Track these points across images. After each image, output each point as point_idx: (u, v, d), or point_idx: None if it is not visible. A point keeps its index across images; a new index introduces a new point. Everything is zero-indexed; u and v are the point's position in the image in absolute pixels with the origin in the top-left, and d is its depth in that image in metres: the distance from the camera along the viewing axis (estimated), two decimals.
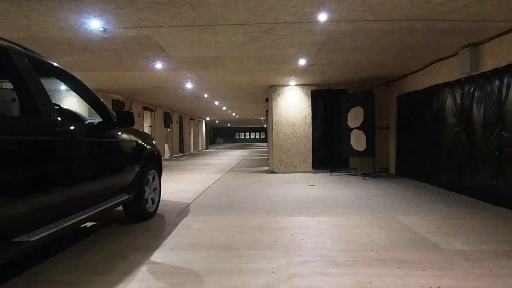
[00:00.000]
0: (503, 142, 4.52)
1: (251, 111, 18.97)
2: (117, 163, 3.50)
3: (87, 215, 2.77)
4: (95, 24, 4.11)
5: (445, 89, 6.01)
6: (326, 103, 9.02)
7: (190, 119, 21.23)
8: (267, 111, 10.92)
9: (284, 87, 9.09)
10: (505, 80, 4.48)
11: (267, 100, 10.05)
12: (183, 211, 4.57)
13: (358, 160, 8.84)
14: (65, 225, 2.45)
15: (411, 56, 5.93)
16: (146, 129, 13.16)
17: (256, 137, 47.65)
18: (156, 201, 4.31)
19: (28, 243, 2.07)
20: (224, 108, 16.65)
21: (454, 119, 5.71)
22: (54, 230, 2.31)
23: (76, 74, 3.16)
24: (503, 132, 4.52)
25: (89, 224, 3.90)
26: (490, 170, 4.79)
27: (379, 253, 2.87)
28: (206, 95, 11.46)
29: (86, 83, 3.18)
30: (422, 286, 2.25)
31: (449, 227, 3.62)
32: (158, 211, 4.36)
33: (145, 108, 13.20)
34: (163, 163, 4.73)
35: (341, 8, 3.72)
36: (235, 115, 21.84)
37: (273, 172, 9.11)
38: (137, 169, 3.74)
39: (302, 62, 6.35)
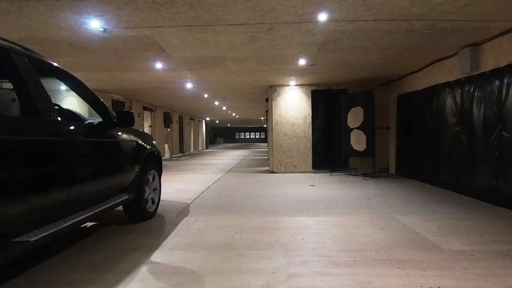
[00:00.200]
0: (503, 142, 4.52)
1: (251, 111, 18.97)
2: (117, 163, 3.50)
3: (87, 215, 2.77)
4: (95, 24, 4.11)
5: (445, 89, 6.01)
6: (326, 103, 9.02)
7: (190, 119, 21.23)
8: (267, 111, 10.93)
9: (284, 87, 9.09)
10: (505, 80, 4.48)
11: (267, 100, 10.05)
12: (183, 211, 4.57)
13: (358, 160, 8.84)
14: (65, 225, 2.45)
15: (411, 56, 5.93)
16: (146, 129, 13.16)
17: (256, 137, 47.64)
18: (156, 201, 4.31)
19: (28, 243, 2.07)
20: (224, 108, 16.65)
21: (454, 119, 5.71)
22: (54, 230, 2.31)
23: (76, 74, 3.16)
24: (503, 132, 4.51)
25: (89, 224, 3.90)
26: (490, 170, 4.79)
27: (379, 253, 2.87)
28: (206, 95, 11.46)
29: (86, 83, 3.18)
30: (422, 286, 2.25)
31: (449, 227, 3.62)
32: (158, 211, 4.36)
33: (145, 108, 13.20)
34: (163, 163, 4.73)
35: (341, 8, 3.72)
36: (235, 115, 21.84)
37: (273, 172, 9.11)
38: (137, 169, 3.74)
39: (302, 62, 6.35)
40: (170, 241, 3.28)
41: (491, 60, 4.82)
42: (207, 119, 26.52)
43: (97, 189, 3.08)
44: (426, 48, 5.42)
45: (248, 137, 48.43)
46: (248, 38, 4.82)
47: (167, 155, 15.68)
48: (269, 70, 7.17)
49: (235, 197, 5.57)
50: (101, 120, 3.32)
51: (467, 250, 2.91)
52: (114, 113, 3.40)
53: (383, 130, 8.64)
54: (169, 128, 16.12)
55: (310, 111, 9.03)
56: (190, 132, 21.30)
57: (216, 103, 14.15)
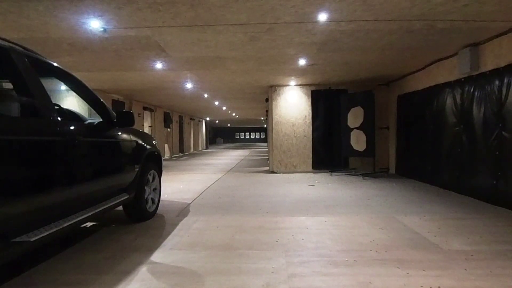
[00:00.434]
0: (503, 142, 4.52)
1: (251, 111, 18.97)
2: (117, 163, 3.50)
3: (87, 215, 2.77)
4: (95, 24, 4.11)
5: (445, 89, 6.01)
6: (326, 103, 9.02)
7: (190, 119, 21.23)
8: (267, 111, 10.93)
9: (284, 87, 9.09)
10: (505, 80, 4.48)
11: (267, 100, 10.05)
12: (183, 211, 4.57)
13: (358, 160, 8.84)
14: (65, 225, 2.45)
15: (411, 56, 5.93)
16: (146, 129, 13.16)
17: (256, 137, 47.64)
18: (156, 201, 4.31)
19: (28, 243, 2.07)
20: (224, 108, 16.65)
21: (454, 119, 5.71)
22: (54, 230, 2.31)
23: (76, 74, 3.16)
24: (503, 132, 4.51)
25: (89, 224, 3.90)
26: (490, 170, 4.79)
27: (379, 253, 2.87)
28: (206, 95, 11.46)
29: (86, 83, 3.18)
30: (422, 286, 2.25)
31: (449, 227, 3.62)
32: (158, 211, 4.36)
33: (145, 108, 13.20)
34: (163, 163, 4.73)
35: (341, 8, 3.72)
36: (235, 115, 21.84)
37: (273, 172, 9.11)
38: (137, 169, 3.74)
39: (302, 62, 6.35)
40: (170, 241, 3.28)
41: (491, 60, 4.82)
42: (207, 119, 26.52)
43: (97, 189, 3.08)
44: (426, 48, 5.42)
45: (248, 137, 48.42)
46: (248, 38, 4.82)
47: (167, 155, 15.68)
48: (269, 70, 7.17)
49: (235, 197, 5.57)
50: (101, 120, 3.32)
51: (467, 250, 2.91)
52: (114, 113, 3.40)
53: (383, 130, 8.64)
54: (169, 128, 16.12)
55: (310, 111, 9.03)
56: (190, 132, 21.30)
57: (216, 103, 14.15)
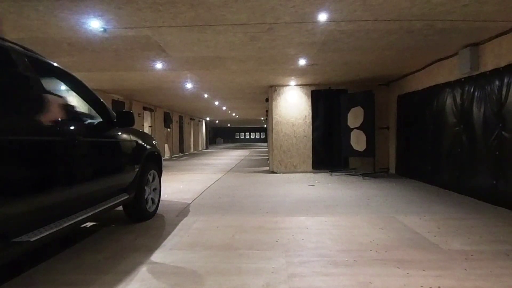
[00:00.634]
0: (503, 142, 4.52)
1: (251, 111, 18.97)
2: (117, 163, 3.50)
3: (87, 215, 2.77)
4: (95, 24, 4.11)
5: (445, 89, 6.01)
6: (326, 103, 9.02)
7: (190, 119, 21.23)
8: (267, 111, 10.93)
9: (284, 87, 9.09)
10: (505, 80, 4.48)
11: (267, 100, 10.05)
12: (183, 211, 4.57)
13: (358, 160, 8.84)
14: (65, 225, 2.45)
15: (411, 56, 5.93)
16: (146, 129, 13.16)
17: (256, 137, 47.64)
18: (156, 201, 4.31)
19: (28, 243, 2.07)
20: (224, 108, 16.65)
21: (454, 119, 5.71)
22: (54, 230, 2.31)
23: (76, 74, 3.16)
24: (503, 132, 4.51)
25: (89, 224, 3.90)
26: (490, 170, 4.79)
27: (379, 253, 2.87)
28: (206, 95, 11.47)
29: (86, 83, 3.18)
30: (422, 286, 2.25)
31: (449, 227, 3.62)
32: (158, 211, 4.36)
33: (145, 108, 13.20)
34: (163, 163, 4.73)
35: (341, 8, 3.73)
36: (235, 115, 21.84)
37: (273, 172, 9.11)
38: (137, 169, 3.74)
39: (302, 62, 6.35)
40: (170, 241, 3.28)
41: (491, 60, 4.82)
42: (207, 119, 26.52)
43: (97, 189, 3.07)
44: (426, 48, 5.42)
45: (248, 137, 48.43)
46: (248, 38, 4.82)
47: (167, 155, 15.68)
48: (269, 70, 7.17)
49: (235, 197, 5.57)
50: (101, 120, 3.32)
51: (467, 250, 2.91)
52: (114, 113, 3.40)
53: (383, 130, 8.64)
54: (169, 128, 16.12)
55: (310, 111, 9.03)
56: (190, 132, 21.30)
57: (216, 103, 14.15)
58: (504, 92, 4.50)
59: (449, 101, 5.89)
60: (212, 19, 4.03)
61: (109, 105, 7.64)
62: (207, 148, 27.59)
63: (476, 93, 5.13)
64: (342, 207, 4.74)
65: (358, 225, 3.77)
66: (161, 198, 4.54)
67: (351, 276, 2.43)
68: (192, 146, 21.61)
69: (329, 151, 9.04)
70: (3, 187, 1.94)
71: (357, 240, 3.23)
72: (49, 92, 2.61)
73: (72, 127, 2.71)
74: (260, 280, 2.37)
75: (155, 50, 5.38)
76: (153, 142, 4.39)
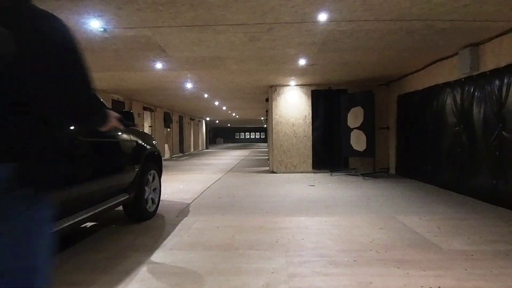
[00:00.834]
0: (503, 142, 4.52)
1: (251, 111, 18.97)
2: (117, 163, 3.50)
3: (87, 215, 2.77)
4: (95, 24, 4.11)
5: (445, 89, 6.01)
6: (326, 103, 9.02)
7: (190, 119, 21.23)
8: (267, 111, 10.93)
9: (284, 87, 9.09)
10: (505, 80, 4.48)
11: (267, 100, 10.05)
12: (183, 211, 4.57)
13: (358, 160, 8.84)
14: (65, 225, 2.45)
15: (411, 56, 5.93)
16: (146, 129, 13.16)
17: (256, 137, 47.63)
18: (156, 201, 4.31)
19: None
20: (224, 108, 16.65)
21: (454, 119, 5.71)
22: (54, 230, 2.31)
23: None
24: (503, 132, 4.51)
25: (89, 224, 3.90)
26: (490, 170, 4.79)
27: (379, 253, 2.87)
28: (206, 95, 11.47)
29: None
30: (422, 286, 2.25)
31: (449, 227, 3.62)
32: (158, 211, 4.36)
33: (145, 108, 13.21)
34: (163, 163, 4.73)
35: (341, 8, 3.72)
36: (235, 115, 21.84)
37: (273, 172, 9.11)
38: (137, 169, 3.74)
39: (302, 62, 6.35)
40: (170, 241, 3.28)
41: (491, 60, 4.82)
42: (207, 119, 26.52)
43: (97, 189, 3.07)
44: (426, 48, 5.42)
45: (248, 137, 48.42)
46: (248, 38, 4.82)
47: (167, 155, 15.68)
48: (269, 70, 7.17)
49: (235, 197, 5.57)
50: None
51: (467, 250, 2.91)
52: None
53: (383, 130, 8.64)
54: (169, 128, 16.12)
55: (310, 111, 9.03)
56: (190, 132, 21.31)
57: (216, 103, 14.16)
58: (504, 92, 4.50)
59: (449, 101, 5.89)
60: (212, 19, 4.03)
61: (109, 105, 7.65)
62: (207, 148, 27.59)
63: (476, 93, 5.13)
64: (342, 207, 4.74)
65: (358, 225, 3.77)
66: (161, 198, 4.54)
67: (351, 276, 2.43)
68: (192, 146, 21.61)
69: (329, 151, 9.04)
70: None
71: (357, 240, 3.23)
72: None
73: (72, 127, 2.71)
74: (260, 280, 2.37)
75: (155, 50, 5.38)
76: (153, 142, 4.39)
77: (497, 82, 4.64)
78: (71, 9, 3.66)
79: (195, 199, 5.40)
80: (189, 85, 9.04)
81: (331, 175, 8.32)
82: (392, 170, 8.51)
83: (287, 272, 2.51)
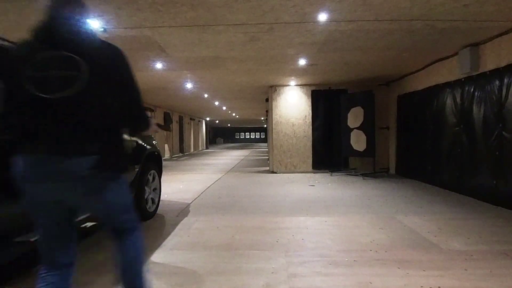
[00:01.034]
0: (503, 142, 4.52)
1: (251, 111, 18.97)
2: None
3: (87, 215, 2.76)
4: (95, 24, 4.11)
5: (445, 89, 6.02)
6: (326, 103, 9.02)
7: (190, 119, 21.23)
8: (267, 111, 10.93)
9: (284, 87, 9.09)
10: (505, 80, 4.48)
11: (267, 100, 10.05)
12: (183, 211, 4.57)
13: (358, 160, 8.84)
14: None
15: (411, 56, 5.94)
16: None
17: (256, 137, 47.62)
18: (156, 201, 4.31)
19: (29, 243, 2.07)
20: (224, 108, 16.65)
21: (454, 119, 5.71)
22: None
23: None
24: (503, 132, 4.52)
25: (89, 224, 3.90)
26: (490, 170, 4.79)
27: (379, 253, 2.87)
28: (206, 95, 11.47)
29: None
30: (422, 286, 2.25)
31: (449, 227, 3.62)
32: (158, 211, 4.36)
33: (145, 108, 13.18)
34: (163, 163, 4.73)
35: (341, 8, 3.73)
36: (235, 115, 21.84)
37: (273, 172, 9.11)
38: (137, 169, 3.74)
39: (302, 62, 6.36)
40: (170, 241, 3.28)
41: (491, 60, 4.82)
42: (207, 119, 26.52)
43: None
44: (426, 48, 5.42)
45: (248, 137, 48.41)
46: (248, 38, 4.82)
47: (167, 155, 15.68)
48: (269, 70, 7.17)
49: (235, 197, 5.57)
50: None
51: (467, 250, 2.92)
52: None
53: (383, 130, 8.64)
54: (170, 129, 16.12)
55: (310, 111, 9.03)
56: (190, 132, 21.31)
57: (216, 103, 14.15)
58: (504, 92, 4.50)
59: (449, 101, 5.89)
60: (212, 19, 4.03)
61: None
62: (207, 148, 27.59)
63: (476, 93, 5.13)
64: (342, 207, 4.74)
65: (358, 225, 3.77)
66: (161, 198, 4.54)
67: (351, 276, 2.43)
68: (192, 146, 21.61)
69: (329, 151, 9.04)
70: (3, 187, 1.94)
71: (357, 240, 3.23)
72: None
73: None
74: (260, 280, 2.37)
75: (155, 50, 5.38)
76: (153, 142, 4.39)
77: (497, 82, 4.64)
78: None
79: (195, 199, 5.40)
80: (189, 85, 9.04)
81: (331, 175, 8.32)
82: (392, 170, 8.52)
83: (287, 272, 2.51)
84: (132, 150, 3.74)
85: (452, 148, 5.78)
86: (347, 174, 8.38)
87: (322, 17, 3.98)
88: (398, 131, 8.21)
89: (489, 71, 4.83)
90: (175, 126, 17.20)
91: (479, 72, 5.06)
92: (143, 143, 4.00)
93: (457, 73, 5.57)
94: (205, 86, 9.35)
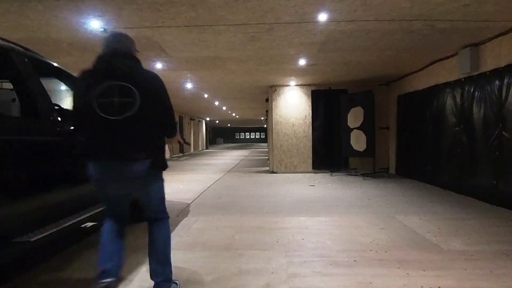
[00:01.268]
0: (503, 142, 4.52)
1: (251, 111, 18.97)
2: None
3: (87, 215, 2.76)
4: (95, 24, 4.11)
5: (445, 89, 6.02)
6: (326, 103, 9.02)
7: (190, 119, 21.22)
8: (267, 111, 10.93)
9: (284, 87, 9.09)
10: (505, 80, 4.48)
11: (267, 100, 10.05)
12: (183, 211, 4.57)
13: (358, 160, 8.84)
14: (65, 225, 2.44)
15: (411, 56, 5.94)
16: None
17: (256, 137, 47.62)
18: None
19: (28, 243, 2.07)
20: (224, 108, 16.65)
21: (454, 119, 5.71)
22: (54, 230, 2.31)
23: (76, 74, 3.15)
24: (503, 132, 4.52)
25: (89, 224, 3.90)
26: (490, 170, 4.79)
27: (379, 253, 2.87)
28: (206, 95, 11.47)
29: None
30: (422, 286, 2.25)
31: (449, 227, 3.62)
32: None
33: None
34: None
35: (341, 8, 3.73)
36: (235, 115, 21.84)
37: (273, 172, 9.11)
38: None
39: (302, 62, 6.36)
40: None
41: (491, 60, 4.82)
42: (207, 119, 26.52)
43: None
44: (426, 48, 5.42)
45: (248, 137, 48.41)
46: (248, 38, 4.82)
47: (167, 155, 15.65)
48: (269, 70, 7.17)
49: (235, 197, 5.57)
50: None
51: (467, 250, 2.92)
52: None
53: (383, 130, 8.64)
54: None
55: (310, 111, 9.03)
56: (190, 132, 21.30)
57: (216, 103, 14.15)
58: (504, 92, 4.50)
59: (449, 101, 5.89)
60: (212, 19, 4.03)
61: None
62: (207, 148, 27.59)
63: (476, 93, 5.13)
64: (342, 207, 4.74)
65: (358, 225, 3.77)
66: None
67: (351, 276, 2.43)
68: (192, 146, 21.60)
69: (329, 151, 9.04)
70: (3, 187, 1.94)
71: (357, 240, 3.23)
72: (49, 92, 2.61)
73: (72, 127, 2.71)
74: (260, 280, 2.37)
75: (155, 50, 5.38)
76: None
77: (497, 82, 4.64)
78: (71, 9, 3.66)
79: (195, 199, 5.40)
80: (189, 85, 9.04)
81: (331, 175, 8.32)
82: (392, 170, 8.51)
83: (287, 272, 2.51)
84: None
85: (452, 148, 5.78)
86: (347, 174, 8.38)
87: (322, 17, 3.98)
88: (398, 131, 8.21)
89: (489, 71, 4.83)
90: None
91: (479, 72, 5.06)
92: None
93: (457, 73, 5.57)
94: (205, 86, 9.35)
